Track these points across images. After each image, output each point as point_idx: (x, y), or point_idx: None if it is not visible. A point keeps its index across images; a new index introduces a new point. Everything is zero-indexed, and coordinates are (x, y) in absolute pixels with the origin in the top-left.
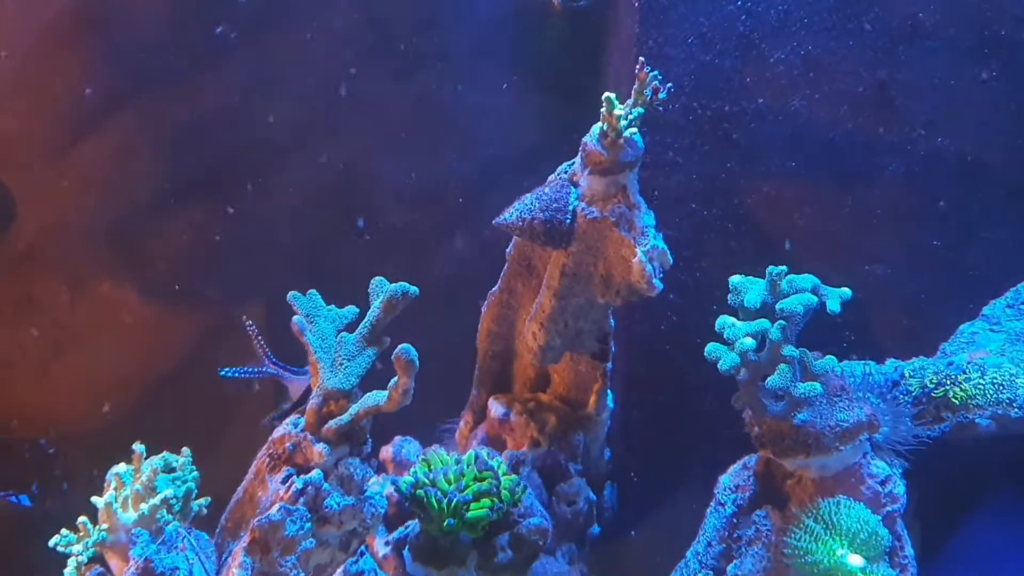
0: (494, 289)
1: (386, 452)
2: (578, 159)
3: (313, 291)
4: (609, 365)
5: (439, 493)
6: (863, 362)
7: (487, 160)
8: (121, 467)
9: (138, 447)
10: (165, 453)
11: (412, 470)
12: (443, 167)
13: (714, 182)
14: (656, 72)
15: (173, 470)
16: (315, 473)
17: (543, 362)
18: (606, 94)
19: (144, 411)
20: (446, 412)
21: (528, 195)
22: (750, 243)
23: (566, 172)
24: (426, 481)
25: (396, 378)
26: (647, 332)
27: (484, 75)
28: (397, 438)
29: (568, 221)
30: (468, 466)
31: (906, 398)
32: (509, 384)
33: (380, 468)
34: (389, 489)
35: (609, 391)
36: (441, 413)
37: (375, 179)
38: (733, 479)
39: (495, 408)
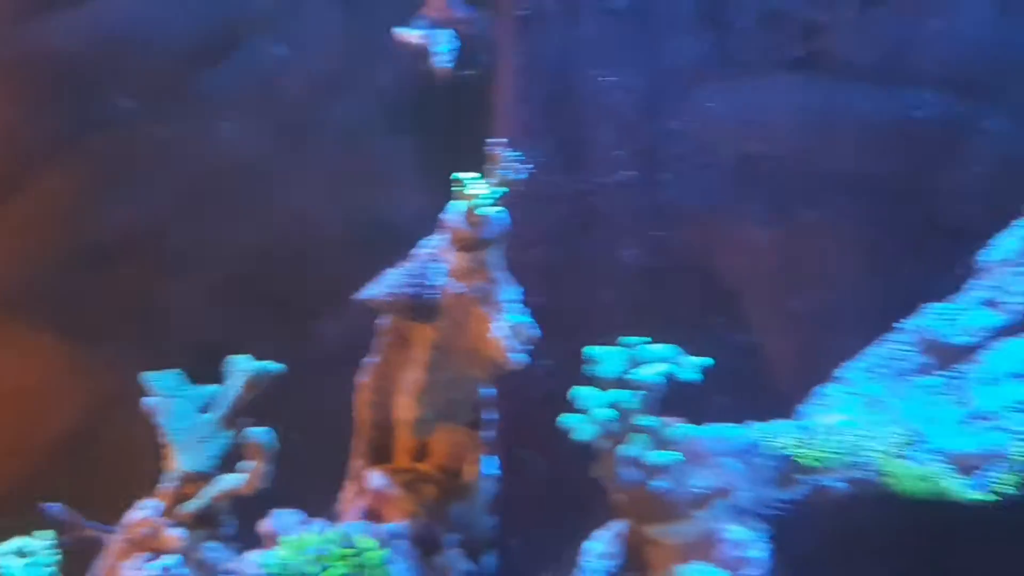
0: (370, 359)
1: (265, 526)
2: (444, 234)
3: (176, 370)
4: (491, 433)
5: None
6: (720, 426)
7: (371, 224)
8: None
9: None
10: (26, 539)
11: (275, 551)
12: (328, 231)
13: (584, 254)
14: (517, 152)
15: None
16: (171, 559)
17: (417, 435)
18: (458, 174)
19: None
20: (336, 480)
21: (393, 270)
22: (621, 312)
23: (433, 247)
24: (287, 565)
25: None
26: (525, 399)
27: (370, 142)
28: (275, 511)
29: (434, 296)
30: (333, 544)
31: (764, 461)
32: (391, 454)
33: (260, 543)
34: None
35: (495, 458)
36: (331, 481)
37: (256, 244)
38: (599, 546)
39: (374, 479)
